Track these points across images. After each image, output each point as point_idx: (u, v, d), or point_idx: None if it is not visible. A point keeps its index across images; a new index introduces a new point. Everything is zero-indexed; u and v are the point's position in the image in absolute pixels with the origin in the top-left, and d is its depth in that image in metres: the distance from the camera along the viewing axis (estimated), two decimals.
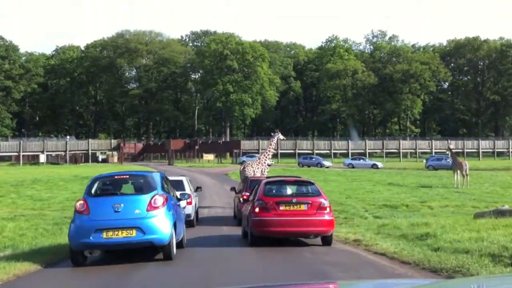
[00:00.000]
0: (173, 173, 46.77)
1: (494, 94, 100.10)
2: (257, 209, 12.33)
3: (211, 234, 15.17)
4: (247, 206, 13.71)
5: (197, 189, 20.23)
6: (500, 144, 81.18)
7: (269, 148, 23.63)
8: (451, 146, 42.00)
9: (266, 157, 23.13)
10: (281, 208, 12.21)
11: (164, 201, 11.11)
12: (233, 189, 20.36)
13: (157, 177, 11.81)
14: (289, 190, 13.11)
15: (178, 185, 17.39)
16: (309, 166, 59.11)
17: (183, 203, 16.21)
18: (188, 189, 17.37)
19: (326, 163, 61.38)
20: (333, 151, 74.81)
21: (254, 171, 21.92)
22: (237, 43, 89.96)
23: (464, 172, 32.68)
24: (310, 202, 12.29)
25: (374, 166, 58.35)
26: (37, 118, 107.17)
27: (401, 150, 77.81)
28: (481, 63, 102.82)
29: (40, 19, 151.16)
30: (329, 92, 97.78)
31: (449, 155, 39.53)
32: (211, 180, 39.92)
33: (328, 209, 12.45)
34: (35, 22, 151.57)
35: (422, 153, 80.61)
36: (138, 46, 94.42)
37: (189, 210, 16.79)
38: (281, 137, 24.73)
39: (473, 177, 36.48)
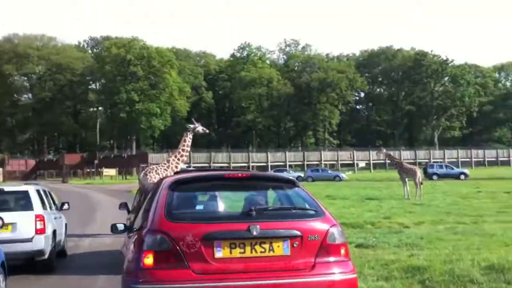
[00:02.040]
0: (64, 191, 38.46)
1: (409, 104, 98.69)
2: (147, 259, 4.70)
3: None
4: (129, 243, 5.66)
5: (62, 206, 12.24)
6: (422, 155, 78.38)
7: (182, 146, 16.10)
8: (384, 151, 36.34)
9: (178, 160, 15.79)
10: (220, 253, 4.73)
11: None
12: (123, 206, 12.15)
13: None
14: (240, 204, 5.49)
15: (18, 200, 10.11)
16: (312, 180, 51.00)
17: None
18: (37, 206, 9.91)
19: (344, 175, 53.95)
20: (251, 164, 68.62)
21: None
22: (141, 48, 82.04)
23: (417, 180, 27.59)
24: (299, 233, 4.88)
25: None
26: None
27: (322, 162, 73.06)
28: (396, 73, 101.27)
29: None
30: (244, 102, 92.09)
31: (391, 162, 34.02)
32: (108, 199, 32.02)
33: (343, 251, 5.03)
34: None
35: (343, 165, 76.43)
36: (28, 50, 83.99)
37: (40, 242, 9.56)
38: (201, 129, 16.10)
39: (413, 188, 31.42)
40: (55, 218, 11.08)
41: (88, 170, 65.24)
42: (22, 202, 10.02)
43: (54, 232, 10.52)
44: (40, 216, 9.76)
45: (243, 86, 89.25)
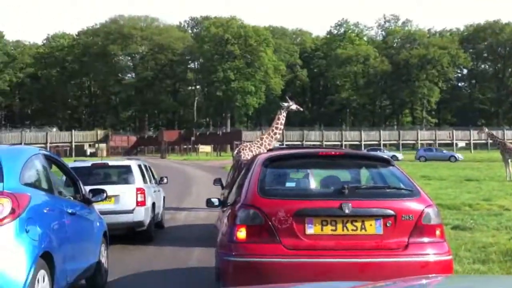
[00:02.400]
0: (162, 166, 40.15)
1: None
2: (240, 233, 4.82)
3: (165, 266, 8.32)
4: (222, 217, 5.92)
5: (161, 180, 13.02)
6: None
7: (276, 124, 16.10)
8: (486, 130, 34.41)
9: (271, 137, 15.94)
10: (311, 230, 4.75)
11: (17, 208, 4.40)
12: (217, 181, 12.58)
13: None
14: (331, 182, 5.50)
15: (121, 174, 10.86)
16: (425, 160, 48.76)
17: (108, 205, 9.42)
18: (139, 180, 10.56)
19: (460, 155, 51.20)
20: (344, 142, 67.97)
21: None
22: (239, 27, 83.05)
23: None
24: (393, 212, 4.80)
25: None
26: (29, 112, 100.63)
27: (419, 141, 70.92)
28: (503, 48, 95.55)
29: (31, 7, 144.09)
30: (339, 80, 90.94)
31: (494, 141, 32.37)
32: (203, 174, 33.06)
33: (438, 232, 4.92)
34: (27, 11, 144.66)
35: (440, 144, 73.71)
36: (132, 31, 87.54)
37: (140, 214, 10.20)
38: (295, 107, 15.72)
39: None
40: (154, 191, 11.67)
41: (185, 146, 67.53)
42: (125, 176, 10.68)
43: (153, 204, 11.11)
44: (141, 189, 10.36)
45: (339, 64, 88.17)
